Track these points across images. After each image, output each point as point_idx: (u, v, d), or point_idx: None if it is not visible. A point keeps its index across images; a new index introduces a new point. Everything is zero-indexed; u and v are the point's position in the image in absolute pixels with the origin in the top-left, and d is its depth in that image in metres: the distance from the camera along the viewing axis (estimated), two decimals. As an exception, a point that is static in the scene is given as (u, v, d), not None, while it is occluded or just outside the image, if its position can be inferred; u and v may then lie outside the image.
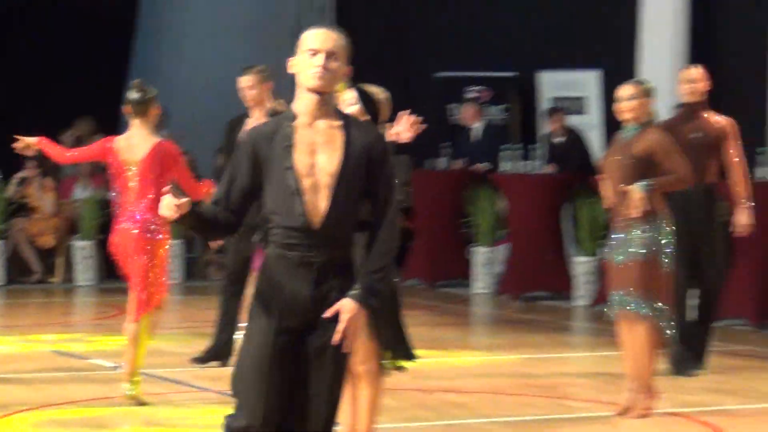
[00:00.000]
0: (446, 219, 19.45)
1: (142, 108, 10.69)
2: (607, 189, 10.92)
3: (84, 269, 18.92)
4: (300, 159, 5.98)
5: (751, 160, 15.87)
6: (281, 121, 6.14)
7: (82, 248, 18.95)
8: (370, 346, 8.70)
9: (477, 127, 20.24)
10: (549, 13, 20.40)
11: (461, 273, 19.18)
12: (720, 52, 18.07)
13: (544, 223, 18.22)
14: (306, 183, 5.97)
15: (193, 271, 20.07)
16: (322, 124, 6.03)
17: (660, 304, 10.70)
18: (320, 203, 5.98)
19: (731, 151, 12.39)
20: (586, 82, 19.14)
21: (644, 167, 10.70)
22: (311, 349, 6.00)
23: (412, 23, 22.15)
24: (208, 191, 11.21)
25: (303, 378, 6.01)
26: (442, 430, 9.94)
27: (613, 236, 10.95)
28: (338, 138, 6.03)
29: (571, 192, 17.38)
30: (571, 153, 18.05)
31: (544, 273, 18.91)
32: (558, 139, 18.33)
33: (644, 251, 10.61)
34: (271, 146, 6.02)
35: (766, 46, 17.45)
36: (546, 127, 18.68)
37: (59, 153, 10.96)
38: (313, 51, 6.06)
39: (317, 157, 5.99)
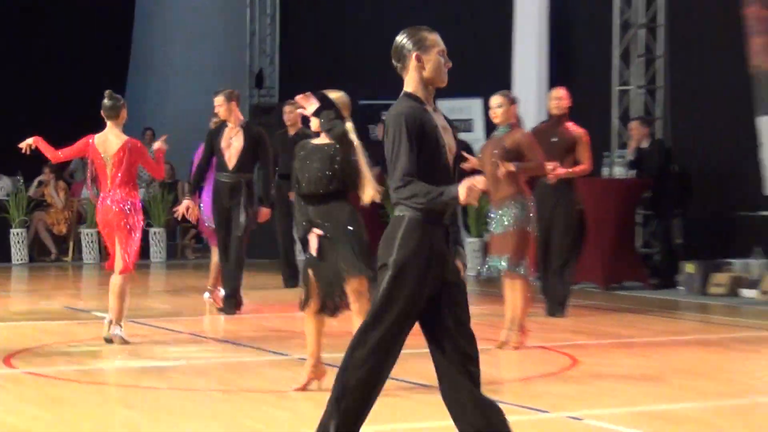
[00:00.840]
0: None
1: (113, 112, 10.66)
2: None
3: (89, 250, 19.13)
4: (446, 138, 5.65)
5: (599, 161, 15.97)
6: (414, 106, 5.66)
7: (88, 234, 19.08)
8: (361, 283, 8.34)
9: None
10: None
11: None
12: (575, 76, 17.78)
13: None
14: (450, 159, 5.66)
15: (174, 252, 20.06)
16: (435, 111, 5.67)
17: (527, 264, 10.78)
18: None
19: (582, 153, 12.55)
20: (471, 107, 18.99)
21: (512, 157, 10.72)
22: (449, 296, 5.56)
23: (341, 58, 21.79)
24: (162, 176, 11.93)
25: (447, 324, 5.58)
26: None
27: (490, 214, 10.99)
28: (446, 123, 5.72)
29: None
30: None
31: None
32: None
33: (514, 224, 10.63)
34: (422, 126, 5.55)
35: (610, 75, 17.31)
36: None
37: (52, 152, 10.83)
38: (444, 52, 5.73)
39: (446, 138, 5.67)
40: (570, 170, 12.42)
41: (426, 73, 5.68)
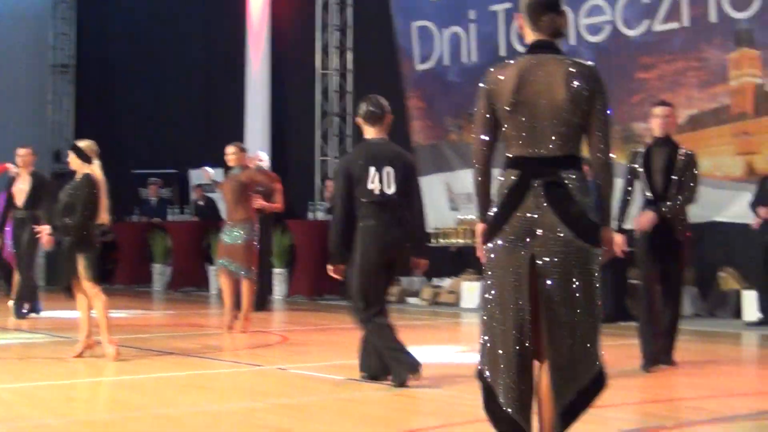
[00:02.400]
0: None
1: None
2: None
3: None
4: None
5: (305, 207, 16.86)
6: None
7: None
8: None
9: (153, 199, 20.00)
10: (188, 131, 20.50)
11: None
12: (288, 138, 18.71)
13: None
14: None
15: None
16: None
17: (252, 269, 11.04)
18: None
19: (278, 196, 12.47)
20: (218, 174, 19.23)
21: (244, 189, 11.12)
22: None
23: (119, 135, 21.56)
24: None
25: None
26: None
27: (225, 229, 11.04)
28: None
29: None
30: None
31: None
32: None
33: (244, 238, 10.97)
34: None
35: (314, 146, 18.11)
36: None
37: None
38: None
39: None
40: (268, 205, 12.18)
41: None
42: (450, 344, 10.58)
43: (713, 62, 13.33)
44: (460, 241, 15.60)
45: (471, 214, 15.56)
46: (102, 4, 23.38)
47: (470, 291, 14.75)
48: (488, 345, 4.21)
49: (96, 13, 23.33)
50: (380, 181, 7.19)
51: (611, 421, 6.16)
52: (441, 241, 15.73)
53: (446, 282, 15.61)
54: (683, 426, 6.00)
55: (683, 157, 8.04)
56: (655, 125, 8.25)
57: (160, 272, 19.07)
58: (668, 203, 7.99)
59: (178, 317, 13.74)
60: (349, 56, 18.23)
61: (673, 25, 13.67)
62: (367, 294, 7.16)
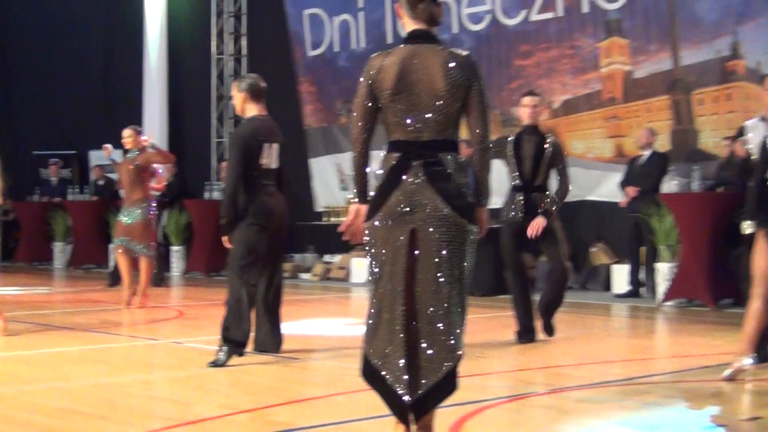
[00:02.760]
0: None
1: None
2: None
3: None
4: None
5: (202, 187, 16.63)
6: None
7: None
8: None
9: (54, 179, 19.28)
10: (88, 112, 19.86)
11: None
12: (185, 121, 18.30)
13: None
14: None
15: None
16: None
17: (152, 244, 11.04)
18: None
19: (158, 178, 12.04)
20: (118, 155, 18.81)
21: (140, 172, 10.98)
22: None
23: (19, 117, 21.26)
24: None
25: None
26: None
27: (123, 210, 10.98)
28: None
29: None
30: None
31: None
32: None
33: (141, 217, 10.88)
34: None
35: (211, 119, 17.90)
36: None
37: None
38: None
39: None
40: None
41: None
42: (339, 317, 10.59)
43: (585, 50, 13.50)
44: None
45: (360, 193, 15.58)
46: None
47: (359, 267, 14.77)
48: (372, 315, 4.24)
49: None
50: (269, 156, 7.21)
51: (490, 389, 6.19)
52: (332, 219, 15.66)
53: (337, 258, 15.58)
54: (556, 392, 6.05)
55: (550, 147, 8.06)
56: (523, 114, 8.25)
57: (60, 250, 18.71)
58: (547, 201, 8.00)
59: (78, 294, 13.48)
60: (244, 42, 18.00)
61: (548, 15, 13.80)
62: (250, 261, 7.06)
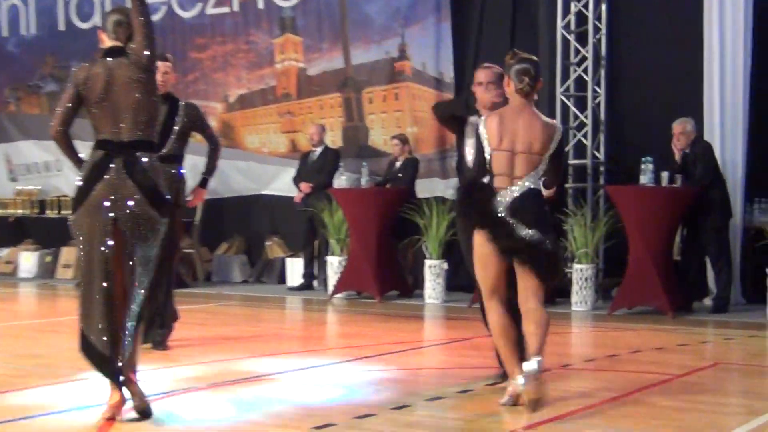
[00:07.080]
0: None
1: None
2: None
3: None
4: None
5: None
6: None
7: None
8: None
9: None
10: None
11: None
12: None
13: None
14: None
15: None
16: None
17: None
18: None
19: None
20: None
21: None
22: None
23: None
24: None
25: None
26: None
27: None
28: None
29: None
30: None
31: None
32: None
33: None
34: None
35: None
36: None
37: None
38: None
39: None
40: None
41: None
42: None
43: (261, 46, 13.56)
44: (19, 211, 15.01)
45: (30, 184, 15.10)
46: None
47: (27, 260, 14.12)
48: (84, 295, 4.90)
49: None
50: None
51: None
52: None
53: (4, 252, 14.88)
54: (216, 387, 5.95)
55: (185, 115, 7.44)
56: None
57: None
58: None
59: None
60: None
61: (224, 9, 13.77)
62: None
